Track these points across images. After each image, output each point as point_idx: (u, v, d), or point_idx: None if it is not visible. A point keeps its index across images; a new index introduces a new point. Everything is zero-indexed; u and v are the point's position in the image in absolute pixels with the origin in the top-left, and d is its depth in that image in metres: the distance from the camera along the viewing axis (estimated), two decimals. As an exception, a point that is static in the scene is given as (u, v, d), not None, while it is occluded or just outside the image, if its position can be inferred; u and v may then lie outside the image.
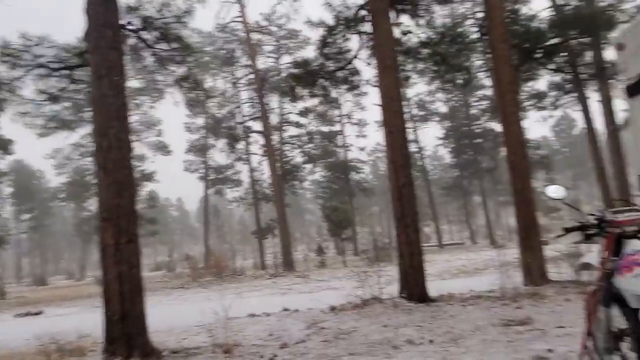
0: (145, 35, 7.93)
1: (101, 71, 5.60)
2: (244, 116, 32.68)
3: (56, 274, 60.68)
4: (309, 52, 28.46)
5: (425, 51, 11.50)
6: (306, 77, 11.89)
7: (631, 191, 14.10)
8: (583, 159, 39.61)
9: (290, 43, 31.78)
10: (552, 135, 53.41)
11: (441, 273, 14.54)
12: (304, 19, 14.24)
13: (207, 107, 32.00)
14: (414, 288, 7.75)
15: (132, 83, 17.67)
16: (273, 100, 31.69)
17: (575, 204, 2.91)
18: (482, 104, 37.29)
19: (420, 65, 12.55)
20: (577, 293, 6.49)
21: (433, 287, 8.11)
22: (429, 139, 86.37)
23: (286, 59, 30.57)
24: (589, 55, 15.31)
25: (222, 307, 5.51)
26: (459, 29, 12.44)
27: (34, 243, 58.17)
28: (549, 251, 9.01)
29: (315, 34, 12.80)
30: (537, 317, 5.47)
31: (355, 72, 12.00)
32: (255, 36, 30.18)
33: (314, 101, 17.16)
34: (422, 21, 11.18)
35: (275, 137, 32.23)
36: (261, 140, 30.74)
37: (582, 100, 17.16)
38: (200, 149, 36.59)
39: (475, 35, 12.42)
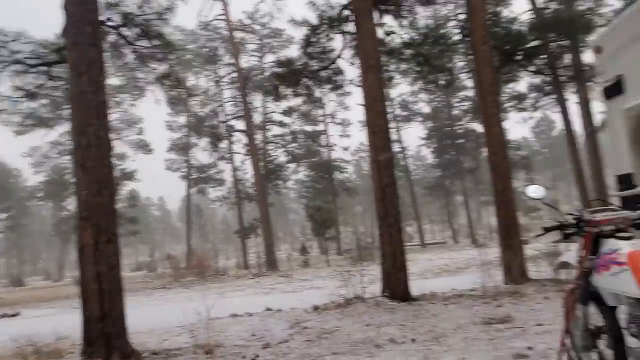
0: (125, 31, 7.81)
1: (80, 68, 5.48)
2: (226, 115, 32.47)
3: (34, 274, 59.43)
4: (293, 51, 28.43)
5: (408, 52, 11.58)
6: (290, 76, 11.86)
7: (608, 191, 14.43)
8: (562, 159, 40.41)
9: (273, 42, 31.68)
10: (532, 136, 54.32)
11: (423, 272, 14.66)
12: (287, 18, 14.24)
13: (190, 106, 31.70)
14: (396, 287, 7.80)
15: (113, 80, 17.38)
16: (256, 99, 31.59)
17: (554, 204, 2.96)
18: (464, 105, 37.74)
19: (403, 66, 12.64)
20: (556, 291, 6.61)
21: (415, 286, 8.17)
22: (412, 139, 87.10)
23: (269, 58, 30.49)
24: (567, 58, 15.61)
25: (204, 308, 5.45)
26: (442, 31, 12.56)
27: (10, 243, 56.80)
28: (528, 250, 9.16)
29: (299, 33, 12.80)
30: (517, 315, 5.55)
31: (339, 71, 12.03)
32: (238, 34, 30.01)
33: (298, 100, 17.15)
34: (405, 22, 11.26)
35: (258, 136, 32.11)
36: (244, 139, 30.61)
37: (561, 102, 17.48)
38: (182, 147, 36.23)
39: (457, 37, 12.55)
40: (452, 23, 13.23)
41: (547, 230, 2.73)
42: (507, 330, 4.94)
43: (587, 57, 14.41)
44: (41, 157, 33.61)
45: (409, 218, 41.10)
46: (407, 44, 11.43)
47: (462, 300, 7.21)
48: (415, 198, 41.58)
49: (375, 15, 9.70)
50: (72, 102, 5.63)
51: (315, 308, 7.46)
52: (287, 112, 32.11)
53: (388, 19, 11.12)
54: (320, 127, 38.06)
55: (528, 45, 12.89)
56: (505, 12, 13.94)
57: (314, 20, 11.56)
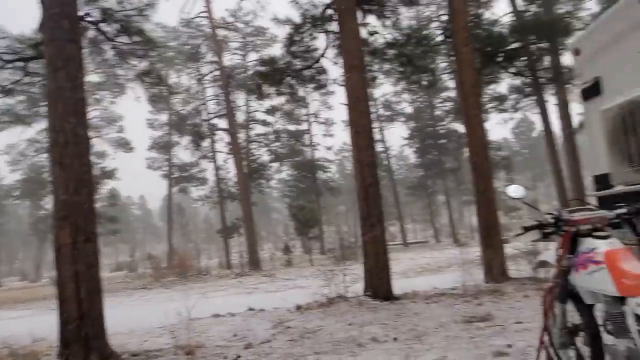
0: (105, 27, 7.66)
1: (57, 63, 5.35)
2: (209, 113, 32.19)
3: (10, 275, 58.02)
4: (276, 50, 28.34)
5: (391, 52, 11.63)
6: (273, 75, 11.81)
7: (586, 191, 14.74)
8: (541, 160, 41.09)
9: (257, 40, 31.52)
10: (512, 137, 55.13)
11: (406, 271, 14.76)
12: (270, 16, 14.18)
13: (171, 104, 31.35)
14: (379, 286, 7.83)
15: (92, 77, 17.09)
16: (239, 98, 31.40)
17: (533, 204, 2.99)
18: (446, 106, 38.12)
19: (387, 66, 12.70)
20: (535, 290, 6.71)
21: (398, 285, 8.21)
22: (395, 139, 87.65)
23: (253, 57, 30.32)
24: (547, 60, 15.90)
25: (186, 308, 5.39)
26: (424, 32, 12.66)
27: (-14, 243, 55.44)
28: (509, 249, 9.28)
29: (282, 32, 12.76)
30: (497, 314, 5.63)
31: (322, 71, 12.02)
32: (221, 32, 29.77)
33: (281, 99, 17.11)
34: (388, 22, 11.30)
35: (241, 135, 31.92)
36: (227, 138, 30.40)
37: (541, 104, 17.78)
38: (163, 146, 35.79)
39: (439, 38, 12.67)
40: (434, 24, 13.38)
41: (527, 229, 2.76)
42: (488, 328, 5.00)
43: (566, 59, 14.70)
44: (18, 155, 32.84)
45: (392, 217, 41.33)
46: (390, 44, 11.48)
47: (444, 298, 7.27)
48: (397, 198, 41.86)
49: (359, 15, 9.72)
50: (49, 99, 5.50)
51: (298, 308, 7.44)
52: (270, 111, 32.00)
53: (371, 19, 11.16)
54: (304, 126, 38.05)
55: (509, 47, 13.10)
56: (487, 15, 14.17)
57: (297, 19, 11.53)
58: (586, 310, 2.37)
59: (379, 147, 36.43)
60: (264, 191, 38.08)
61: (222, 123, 30.78)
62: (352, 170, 26.66)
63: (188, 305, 5.36)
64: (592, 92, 3.83)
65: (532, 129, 52.96)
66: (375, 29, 11.27)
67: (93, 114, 27.56)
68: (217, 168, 33.64)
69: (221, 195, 33.22)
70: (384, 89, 39.21)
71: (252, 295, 12.18)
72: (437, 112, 39.88)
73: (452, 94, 32.95)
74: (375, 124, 32.99)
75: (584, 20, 13.89)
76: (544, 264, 7.41)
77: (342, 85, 9.85)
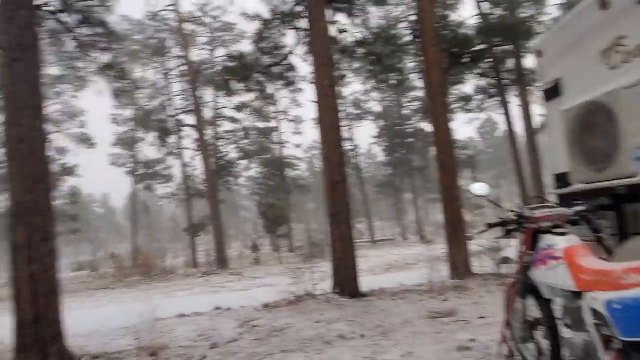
0: (64, 17, 7.34)
1: (13, 54, 5.11)
2: (175, 109, 31.46)
3: (-38, 276, 55.28)
4: (245, 46, 28.01)
5: (360, 50, 11.70)
6: (241, 70, 11.68)
7: (546, 189, 15.25)
8: (504, 159, 42.25)
9: (225, 35, 31.03)
10: (477, 136, 56.47)
11: (373, 268, 14.89)
12: (239, 12, 14.00)
13: (136, 98, 30.47)
14: (346, 283, 7.86)
15: (52, 69, 16.41)
16: (207, 94, 30.79)
17: (497, 201, 3.05)
18: (413, 105, 38.61)
19: (356, 64, 12.77)
20: (497, 285, 6.89)
21: (365, 282, 8.27)
22: (364, 137, 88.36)
23: (221, 52, 29.82)
24: (510, 62, 16.36)
25: (149, 308, 5.26)
26: (393, 31, 12.78)
27: None
28: (473, 246, 9.50)
29: (251, 28, 12.61)
30: (462, 309, 5.75)
31: (291, 67, 11.98)
32: (188, 26, 29.17)
33: (250, 96, 16.95)
34: (357, 20, 11.36)
35: (209, 132, 31.37)
36: (194, 134, 29.81)
37: (504, 104, 18.27)
38: (127, 142, 34.80)
39: (408, 38, 12.82)
40: (403, 24, 13.51)
41: (491, 226, 2.81)
42: (452, 323, 5.10)
43: (528, 62, 15.18)
44: (-29, 150, 31.24)
45: (360, 215, 41.63)
46: (359, 43, 11.54)
47: (410, 295, 7.37)
48: (366, 195, 42.20)
49: (328, 12, 9.71)
50: (4, 91, 5.24)
51: (266, 306, 7.39)
52: (239, 107, 31.57)
53: (341, 17, 11.19)
54: (273, 123, 37.77)
55: (474, 49, 13.40)
56: (454, 16, 14.43)
57: (266, 14, 11.44)
58: (545, 304, 2.43)
59: (347, 145, 36.59)
60: (232, 189, 37.61)
61: (189, 119, 30.18)
62: (321, 168, 26.72)
63: (152, 305, 5.23)
64: (553, 93, 3.95)
65: (495, 129, 54.38)
66: (345, 27, 11.32)
67: (53, 108, 26.49)
68: (184, 165, 32.97)
69: (188, 193, 32.60)
70: (353, 87, 39.50)
71: (218, 294, 12.02)
72: (405, 111, 40.38)
73: (420, 93, 33.39)
74: (344, 122, 33.14)
75: (546, 24, 14.37)
76: (506, 260, 7.63)
77: (311, 83, 9.85)
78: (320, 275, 8.03)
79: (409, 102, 39.53)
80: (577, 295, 2.13)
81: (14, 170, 4.95)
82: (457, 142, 24.56)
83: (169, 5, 27.71)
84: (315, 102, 8.69)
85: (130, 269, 24.56)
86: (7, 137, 5.04)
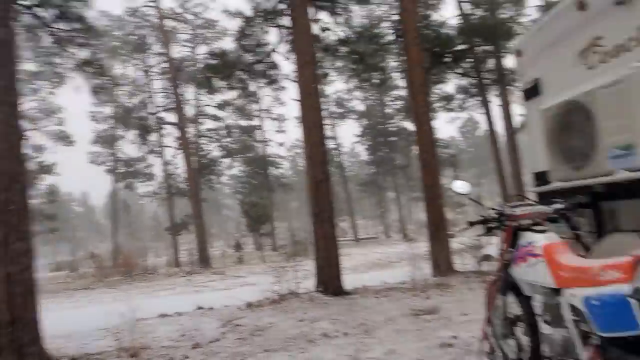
0: (41, 12, 7.16)
1: (-13, 49, 4.98)
2: (157, 107, 31.05)
3: None
4: (227, 44, 27.81)
5: (343, 49, 11.71)
6: (223, 68, 11.58)
7: (526, 187, 15.50)
8: (485, 158, 42.79)
9: (207, 33, 30.72)
10: (459, 135, 57.09)
11: (357, 266, 14.95)
12: (221, 8, 13.87)
13: (116, 96, 29.97)
14: (330, 282, 7.87)
15: (28, 65, 16.02)
16: (188, 91, 30.50)
17: (478, 200, 3.08)
18: (396, 104, 38.82)
19: (339, 63, 12.78)
20: (479, 282, 6.98)
21: (349, 281, 8.30)
22: (347, 136, 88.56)
23: (202, 49, 29.49)
24: (491, 63, 16.56)
25: (130, 308, 5.18)
26: (376, 30, 12.84)
27: None
28: (455, 244, 9.61)
29: (233, 25, 12.51)
30: (444, 306, 5.80)
31: (274, 66, 11.93)
32: (169, 23, 28.81)
33: (232, 94, 16.83)
34: (340, 19, 11.36)
35: (191, 130, 31.05)
36: (176, 132, 29.49)
37: (485, 104, 18.50)
38: (107, 140, 34.21)
39: (390, 37, 12.89)
40: (386, 24, 13.58)
41: (472, 224, 2.84)
42: (435, 320, 5.15)
43: (509, 62, 15.39)
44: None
45: (343, 214, 41.73)
46: (342, 41, 11.55)
47: (393, 293, 7.42)
48: (349, 194, 42.32)
49: (311, 10, 9.70)
50: (-22, 87, 5.09)
51: (249, 305, 7.35)
52: (221, 105, 31.31)
53: (324, 15, 11.18)
54: (256, 122, 37.56)
55: (456, 49, 13.53)
56: (436, 16, 14.55)
57: (248, 12, 11.36)
58: (525, 301, 2.46)
59: (330, 144, 36.62)
60: (215, 187, 37.30)
61: (171, 117, 29.82)
62: (304, 167, 26.68)
63: (133, 305, 5.15)
64: (532, 92, 4.01)
65: (477, 128, 55.07)
66: (328, 25, 11.32)
67: (29, 105, 25.88)
68: (166, 163, 32.57)
69: (170, 192, 32.22)
70: (336, 86, 39.55)
71: (201, 293, 11.91)
72: (388, 110, 40.59)
73: (403, 92, 33.60)
74: (327, 121, 33.13)
75: (525, 25, 14.58)
76: (487, 257, 7.73)
77: (294, 81, 9.82)
78: (304, 274, 8.02)
79: (391, 101, 39.74)
80: (556, 292, 2.16)
81: (-11, 169, 4.82)
82: (439, 141, 24.76)
83: (149, 2, 27.33)
84: (298, 100, 8.67)
85: (110, 269, 24.17)
86: (-18, 134, 4.90)
